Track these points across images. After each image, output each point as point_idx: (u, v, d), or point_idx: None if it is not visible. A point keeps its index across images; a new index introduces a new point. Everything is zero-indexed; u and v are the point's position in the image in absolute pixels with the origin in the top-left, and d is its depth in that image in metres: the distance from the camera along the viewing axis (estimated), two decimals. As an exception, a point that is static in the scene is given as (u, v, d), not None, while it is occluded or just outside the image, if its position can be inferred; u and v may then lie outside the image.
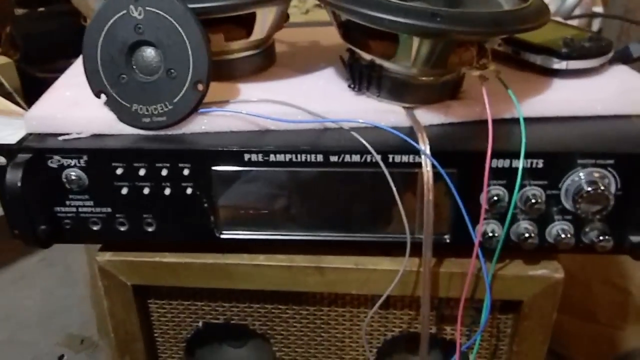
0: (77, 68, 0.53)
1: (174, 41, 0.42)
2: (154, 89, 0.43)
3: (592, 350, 0.91)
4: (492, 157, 0.40)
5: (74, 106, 0.46)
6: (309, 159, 0.42)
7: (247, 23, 0.48)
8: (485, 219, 0.43)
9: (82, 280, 1.18)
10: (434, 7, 0.38)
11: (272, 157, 0.42)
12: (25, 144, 0.44)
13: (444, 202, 0.43)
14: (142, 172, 0.43)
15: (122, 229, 0.46)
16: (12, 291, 1.25)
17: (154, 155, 0.43)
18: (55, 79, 0.53)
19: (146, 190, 0.44)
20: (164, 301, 0.53)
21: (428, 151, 0.41)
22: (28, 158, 0.43)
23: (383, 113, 0.44)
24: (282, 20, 0.53)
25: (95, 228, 0.46)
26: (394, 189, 0.41)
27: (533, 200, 0.42)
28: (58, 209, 0.46)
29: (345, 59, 0.48)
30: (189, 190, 0.44)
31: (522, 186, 0.42)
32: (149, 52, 0.43)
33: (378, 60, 0.44)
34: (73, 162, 0.44)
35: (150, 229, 0.46)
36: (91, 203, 0.45)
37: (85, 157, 0.43)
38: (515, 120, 0.43)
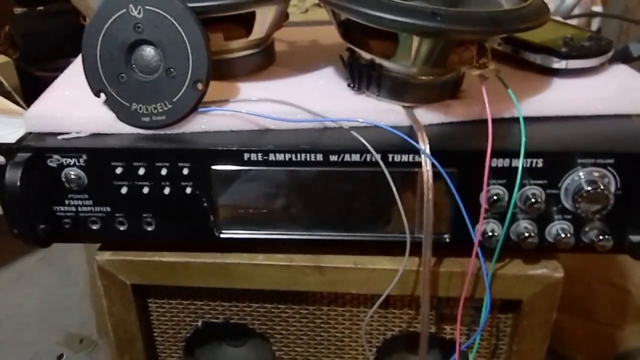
0: (76, 67, 0.53)
1: (173, 40, 0.42)
2: (153, 88, 0.43)
3: (592, 349, 0.91)
4: (491, 157, 0.40)
5: (73, 105, 0.46)
6: (308, 159, 0.42)
7: (246, 22, 0.48)
8: (485, 218, 0.43)
9: (81, 279, 1.18)
10: (434, 6, 0.38)
11: (271, 157, 0.42)
12: (24, 143, 0.44)
13: (444, 202, 0.43)
14: (141, 171, 0.43)
15: (122, 228, 0.46)
16: (11, 290, 1.25)
17: (153, 155, 0.43)
18: (55, 78, 0.53)
19: (145, 190, 0.44)
20: (164, 300, 0.53)
21: (428, 150, 0.41)
22: (27, 157, 0.43)
23: (383, 112, 0.44)
24: (282, 19, 0.53)
25: (94, 227, 0.46)
26: (394, 188, 0.41)
27: (533, 200, 0.42)
28: (57, 208, 0.46)
29: (344, 58, 0.48)
30: (188, 190, 0.44)
31: (521, 185, 0.42)
32: (149, 51, 0.43)
33: (378, 60, 0.44)
34: (72, 161, 0.44)
35: (149, 229, 0.46)
36: (90, 202, 0.45)
37: (84, 157, 0.43)
38: (515, 120, 0.43)
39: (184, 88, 0.42)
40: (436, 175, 0.41)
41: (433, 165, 0.41)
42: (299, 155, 0.42)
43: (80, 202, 0.45)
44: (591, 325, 0.90)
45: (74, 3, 0.66)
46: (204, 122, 0.44)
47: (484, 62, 0.43)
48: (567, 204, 0.42)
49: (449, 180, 0.41)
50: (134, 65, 0.43)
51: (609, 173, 0.41)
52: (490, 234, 0.43)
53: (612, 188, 0.41)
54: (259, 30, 0.49)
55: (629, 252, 0.44)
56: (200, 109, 0.44)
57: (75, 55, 0.55)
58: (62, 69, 0.55)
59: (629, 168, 0.41)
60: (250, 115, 0.44)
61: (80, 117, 0.45)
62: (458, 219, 0.42)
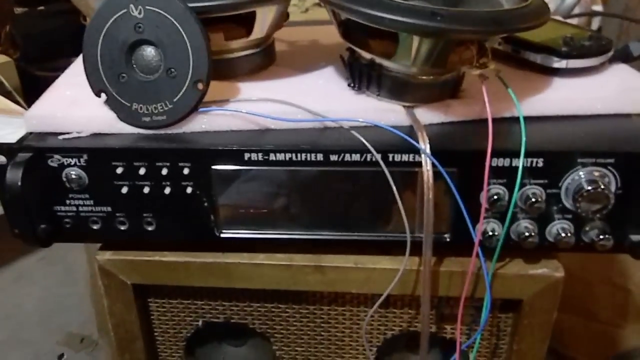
0: (77, 67, 0.53)
1: (174, 40, 0.42)
2: (154, 88, 0.43)
3: (592, 349, 0.91)
4: (492, 156, 0.40)
5: (74, 105, 0.46)
6: (308, 158, 0.42)
7: (247, 22, 0.48)
8: (485, 218, 0.43)
9: (82, 279, 1.18)
10: (434, 6, 0.38)
11: (272, 156, 0.42)
12: (25, 143, 0.44)
13: (444, 201, 0.43)
14: (142, 171, 0.43)
15: (122, 228, 0.46)
16: (12, 290, 1.25)
17: (154, 155, 0.43)
18: (55, 77, 0.53)
19: (146, 190, 0.44)
20: (164, 300, 0.53)
21: (428, 150, 0.41)
22: (28, 157, 0.43)
23: (383, 112, 0.44)
24: (282, 19, 0.53)
25: (95, 227, 0.46)
26: (394, 188, 0.41)
27: (533, 199, 0.42)
28: (58, 208, 0.46)
29: (345, 58, 0.48)
30: (189, 190, 0.44)
31: (522, 185, 0.42)
32: (149, 51, 0.43)
33: (378, 59, 0.44)
34: (73, 161, 0.44)
35: (150, 228, 0.46)
36: (91, 202, 0.45)
37: (85, 156, 0.43)
38: (515, 119, 0.43)
39: (185, 88, 0.42)
40: (436, 174, 0.41)
41: (433, 164, 0.41)
42: (299, 155, 0.42)
43: (80, 202, 0.45)
44: (591, 324, 0.90)
45: (74, 3, 0.66)
46: (204, 122, 0.44)
47: (484, 62, 0.43)
48: (568, 203, 0.42)
49: (449, 180, 0.41)
50: (134, 65, 0.43)
51: (610, 172, 0.41)
52: (490, 233, 0.43)
53: (613, 187, 0.41)
54: (259, 30, 0.49)
55: (630, 251, 0.44)
56: (200, 109, 0.44)
57: (76, 55, 0.56)
58: (62, 69, 0.55)
59: (630, 167, 0.41)
60: (251, 115, 0.44)
61: (81, 117, 0.45)
62: (458, 218, 0.42)
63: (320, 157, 0.42)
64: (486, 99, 0.41)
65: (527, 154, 0.41)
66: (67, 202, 0.45)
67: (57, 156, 0.43)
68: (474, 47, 0.44)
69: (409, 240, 0.42)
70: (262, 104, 0.45)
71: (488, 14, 0.39)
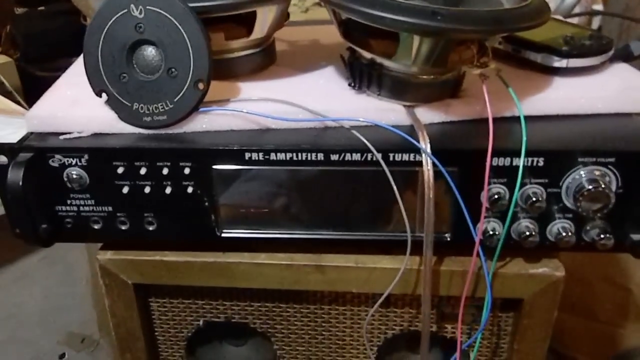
0: (77, 67, 0.54)
1: (174, 40, 0.42)
2: (154, 88, 0.43)
3: (593, 348, 0.91)
4: (492, 156, 0.40)
5: (74, 105, 0.46)
6: (309, 158, 0.42)
7: (247, 22, 0.48)
8: (485, 217, 0.43)
9: (82, 279, 1.18)
10: (435, 5, 0.38)
11: (272, 156, 0.42)
12: (26, 143, 0.44)
13: (445, 201, 0.43)
14: (142, 171, 0.43)
15: (123, 227, 0.46)
16: (13, 290, 1.25)
17: (154, 154, 0.43)
18: (56, 78, 0.53)
19: (147, 189, 0.44)
20: (165, 300, 0.53)
21: (429, 149, 0.41)
22: (29, 157, 0.43)
23: (383, 112, 0.44)
24: (283, 19, 0.53)
25: (96, 227, 0.46)
26: (395, 187, 0.41)
27: (534, 199, 0.42)
28: (59, 207, 0.46)
29: (345, 58, 0.48)
30: (189, 189, 0.44)
31: (522, 184, 0.42)
32: (150, 51, 0.43)
33: (378, 59, 0.44)
34: (74, 161, 0.44)
35: (151, 228, 0.46)
36: (92, 202, 0.45)
37: (86, 156, 0.43)
38: (516, 119, 0.43)
39: (185, 88, 0.43)
40: (437, 174, 0.41)
41: (434, 164, 0.41)
42: (299, 154, 0.42)
43: (81, 202, 0.45)
44: (592, 324, 0.90)
45: (74, 3, 0.66)
46: (205, 122, 0.44)
47: (484, 61, 0.43)
48: (568, 202, 0.42)
49: (449, 179, 0.41)
50: (135, 65, 0.43)
51: (610, 172, 0.41)
52: (491, 232, 0.43)
53: (613, 187, 0.41)
54: (260, 29, 0.49)
55: (630, 250, 0.44)
56: (201, 109, 0.44)
57: (76, 56, 0.56)
58: (62, 69, 0.55)
59: (630, 167, 0.41)
60: (251, 114, 0.44)
61: (81, 117, 0.45)
62: (459, 217, 0.42)
63: (320, 156, 0.42)
64: (487, 99, 0.41)
65: (528, 153, 0.41)
66: (68, 202, 0.45)
67: (58, 156, 0.44)
68: (474, 47, 0.44)
69: (410, 240, 0.42)
70: (262, 104, 0.45)
71: (488, 13, 0.39)
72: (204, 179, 0.44)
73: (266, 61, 0.54)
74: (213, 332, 0.57)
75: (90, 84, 0.44)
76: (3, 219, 0.45)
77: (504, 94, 0.43)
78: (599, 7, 1.06)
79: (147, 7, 0.41)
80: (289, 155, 0.42)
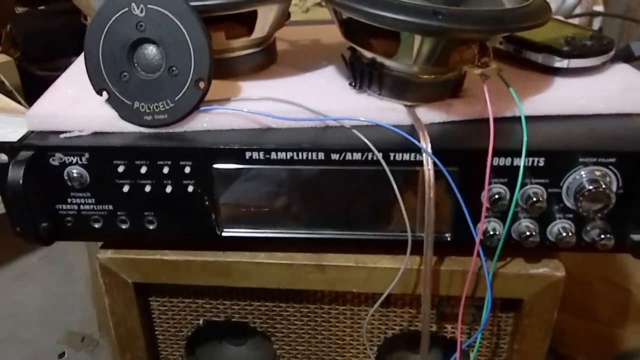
0: (78, 66, 0.54)
1: (175, 39, 0.42)
2: (155, 87, 0.43)
3: (592, 349, 0.91)
4: (493, 156, 0.40)
5: (75, 104, 0.46)
6: (310, 157, 0.42)
7: (248, 21, 0.48)
8: (486, 217, 0.43)
9: (82, 277, 1.18)
10: (436, 5, 0.38)
11: (273, 155, 0.42)
12: (27, 141, 0.44)
13: (445, 200, 0.43)
14: (143, 169, 0.43)
15: (124, 226, 0.46)
16: (13, 289, 1.25)
17: (155, 153, 0.43)
18: (56, 77, 0.53)
19: (147, 188, 0.44)
20: (165, 299, 0.53)
21: (429, 149, 0.41)
22: (30, 155, 0.43)
23: (384, 111, 0.44)
24: (284, 18, 0.53)
25: (96, 226, 0.46)
26: (395, 187, 0.41)
27: (534, 199, 0.42)
28: (60, 206, 0.46)
29: (346, 57, 0.48)
30: (190, 188, 0.44)
31: (523, 184, 0.42)
32: (151, 50, 0.43)
33: (379, 59, 0.44)
34: (75, 159, 0.44)
35: (151, 227, 0.46)
36: (93, 201, 0.45)
37: (86, 155, 0.43)
38: (517, 119, 0.43)
39: (186, 87, 0.43)
40: (438, 174, 0.41)
41: (434, 164, 0.41)
42: (300, 154, 0.42)
43: (82, 201, 0.45)
44: (592, 325, 0.90)
45: (75, 2, 0.66)
46: (205, 121, 0.44)
47: (485, 61, 0.43)
48: (569, 203, 0.42)
49: (450, 179, 0.41)
50: (136, 64, 0.43)
51: (611, 172, 0.41)
52: (491, 232, 0.43)
53: (614, 187, 0.41)
54: (261, 29, 0.49)
55: (631, 251, 0.44)
56: (202, 108, 0.44)
57: (76, 55, 0.56)
58: (63, 69, 0.55)
59: (631, 167, 0.41)
60: (252, 114, 0.44)
61: (82, 115, 0.45)
62: (459, 217, 0.42)
63: (321, 156, 0.42)
64: (487, 98, 0.41)
65: (529, 154, 0.41)
66: (69, 200, 0.45)
67: (58, 155, 0.44)
68: (475, 47, 0.44)
69: (410, 240, 0.42)
70: (263, 103, 0.45)
71: (489, 13, 0.39)
72: (204, 178, 0.44)
73: (267, 60, 0.54)
74: (213, 332, 0.57)
75: (91, 82, 0.44)
76: (3, 218, 0.45)
77: (504, 94, 0.43)
78: (599, 8, 1.06)
79: (148, 6, 0.41)
80: (289, 154, 0.42)
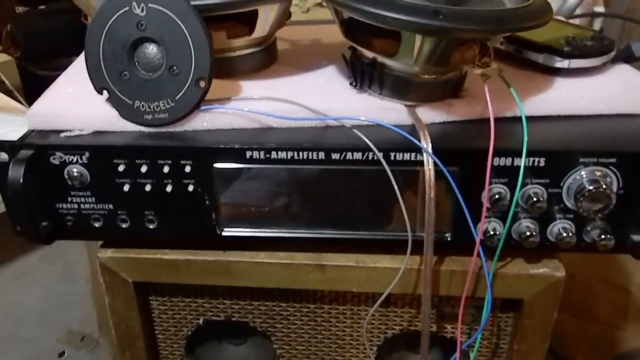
0: (79, 65, 0.54)
1: (176, 38, 0.42)
2: (156, 86, 0.43)
3: (592, 349, 0.91)
4: (493, 156, 0.40)
5: (76, 103, 0.46)
6: (310, 157, 0.42)
7: (249, 20, 0.48)
8: (486, 217, 0.43)
9: (82, 277, 1.18)
10: (437, 4, 0.38)
11: (273, 155, 0.42)
12: (27, 140, 0.44)
13: (446, 200, 0.43)
14: (143, 169, 0.43)
15: (124, 225, 0.46)
16: (12, 288, 1.25)
17: (155, 152, 0.43)
18: (56, 76, 0.53)
19: (148, 187, 0.44)
20: (165, 298, 0.53)
21: (430, 149, 0.41)
22: (30, 154, 0.43)
23: (385, 111, 0.44)
24: (284, 18, 0.53)
25: (97, 225, 0.46)
26: (396, 186, 0.41)
27: (535, 199, 0.42)
28: (60, 205, 0.46)
29: (347, 57, 0.48)
30: (190, 188, 0.44)
31: (523, 184, 0.42)
32: (151, 49, 0.43)
33: (380, 58, 0.44)
34: (75, 158, 0.44)
35: (151, 226, 0.46)
36: (93, 200, 0.45)
37: (87, 154, 0.43)
38: (517, 119, 0.43)
39: (187, 86, 0.43)
40: (438, 173, 0.41)
41: (435, 163, 0.41)
42: (301, 153, 0.42)
43: (82, 200, 0.45)
44: (591, 325, 0.90)
45: (75, 2, 0.66)
46: (206, 120, 0.44)
47: (486, 61, 0.43)
48: (569, 203, 0.42)
49: (450, 179, 0.41)
50: (136, 63, 0.43)
51: (611, 172, 0.41)
52: (491, 232, 0.43)
53: (614, 187, 0.41)
54: (262, 28, 0.49)
55: (631, 251, 0.44)
56: (202, 107, 0.44)
57: (77, 54, 0.56)
58: (63, 68, 0.55)
59: (631, 167, 0.41)
60: (253, 113, 0.44)
61: (82, 114, 0.45)
62: (460, 217, 0.42)
63: (322, 155, 0.42)
64: (488, 98, 0.41)
65: (529, 154, 0.41)
66: (69, 199, 0.45)
67: (59, 153, 0.44)
68: (476, 47, 0.44)
69: (410, 239, 0.42)
70: (264, 103, 0.45)
71: (490, 13, 0.39)
72: (204, 177, 0.44)
73: (267, 60, 0.54)
74: (213, 331, 0.57)
75: (91, 81, 0.44)
76: (3, 217, 0.45)
77: (505, 94, 0.43)
78: (600, 8, 1.06)
79: (149, 5, 0.41)
80: (290, 154, 0.42)
